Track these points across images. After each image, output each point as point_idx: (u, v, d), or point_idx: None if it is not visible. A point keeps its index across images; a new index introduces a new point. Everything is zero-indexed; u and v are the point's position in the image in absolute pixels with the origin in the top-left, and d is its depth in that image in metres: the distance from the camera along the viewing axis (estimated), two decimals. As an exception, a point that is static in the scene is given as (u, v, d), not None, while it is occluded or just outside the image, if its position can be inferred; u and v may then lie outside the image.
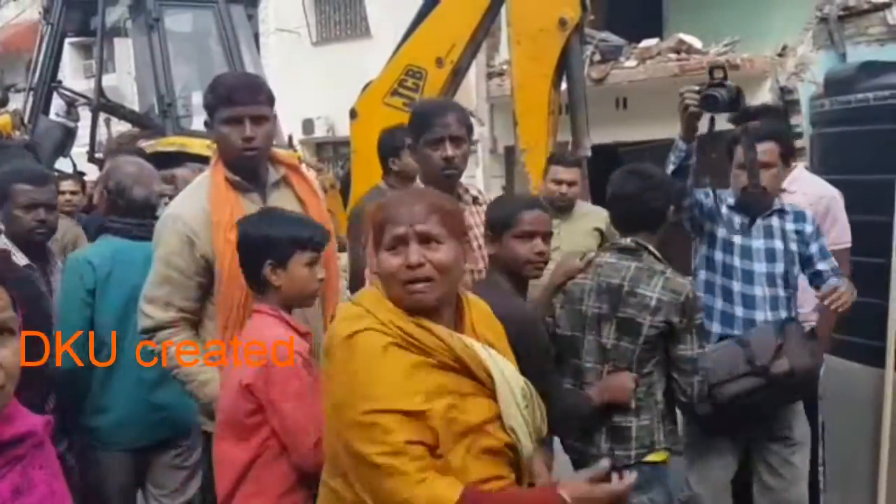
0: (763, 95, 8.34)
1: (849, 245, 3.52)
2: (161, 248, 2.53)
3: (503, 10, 4.83)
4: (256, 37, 9.56)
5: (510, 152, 8.97)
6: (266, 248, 2.22)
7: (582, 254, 2.86)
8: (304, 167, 8.14)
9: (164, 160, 5.79)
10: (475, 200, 2.87)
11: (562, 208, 4.11)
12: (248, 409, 2.09)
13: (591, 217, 4.16)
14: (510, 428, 1.71)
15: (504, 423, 1.71)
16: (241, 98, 2.49)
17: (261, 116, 2.51)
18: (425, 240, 1.70)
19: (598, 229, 4.10)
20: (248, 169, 2.55)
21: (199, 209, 2.50)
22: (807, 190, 3.50)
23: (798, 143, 8.18)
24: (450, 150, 2.66)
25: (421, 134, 2.70)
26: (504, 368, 1.73)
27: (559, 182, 4.14)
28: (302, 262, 2.24)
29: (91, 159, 7.38)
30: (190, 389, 2.55)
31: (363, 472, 1.61)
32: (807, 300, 3.44)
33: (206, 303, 2.56)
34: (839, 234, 3.49)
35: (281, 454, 2.11)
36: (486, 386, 1.70)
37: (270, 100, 2.58)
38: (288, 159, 2.66)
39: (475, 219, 2.79)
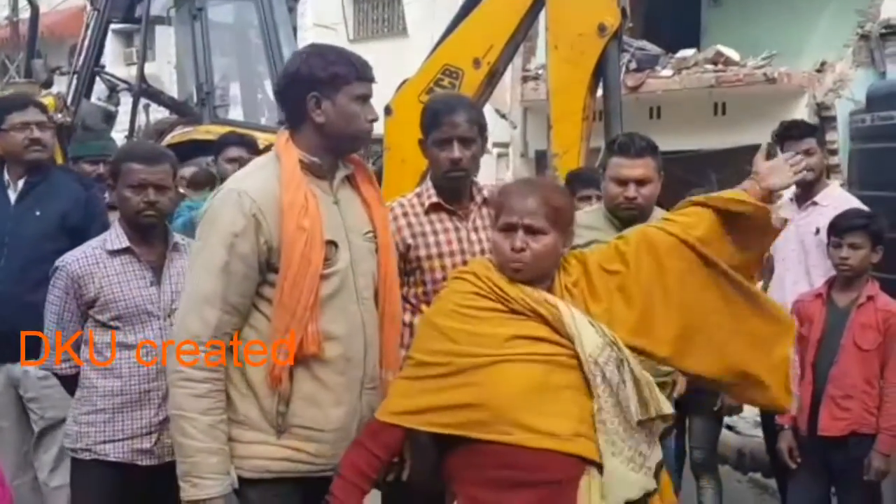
0: (800, 111, 8.28)
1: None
2: (220, 227, 2.09)
3: (542, 14, 4.85)
4: (294, 31, 9.65)
5: (541, 156, 8.97)
6: None
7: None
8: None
9: (201, 148, 5.88)
10: (485, 202, 2.69)
11: (628, 219, 2.81)
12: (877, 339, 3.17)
13: None
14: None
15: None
16: (371, 76, 2.22)
17: None
18: (530, 230, 2.03)
19: None
20: (332, 156, 2.22)
21: (267, 187, 2.12)
22: (838, 205, 3.58)
23: (833, 160, 8.13)
24: (457, 152, 2.54)
25: (430, 132, 2.60)
26: (578, 319, 2.01)
27: (622, 181, 2.83)
28: None
29: (129, 144, 7.50)
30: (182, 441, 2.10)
31: None
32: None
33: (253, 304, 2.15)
34: None
35: None
36: (561, 334, 2.02)
37: None
38: (357, 158, 2.33)
39: (484, 221, 2.66)
